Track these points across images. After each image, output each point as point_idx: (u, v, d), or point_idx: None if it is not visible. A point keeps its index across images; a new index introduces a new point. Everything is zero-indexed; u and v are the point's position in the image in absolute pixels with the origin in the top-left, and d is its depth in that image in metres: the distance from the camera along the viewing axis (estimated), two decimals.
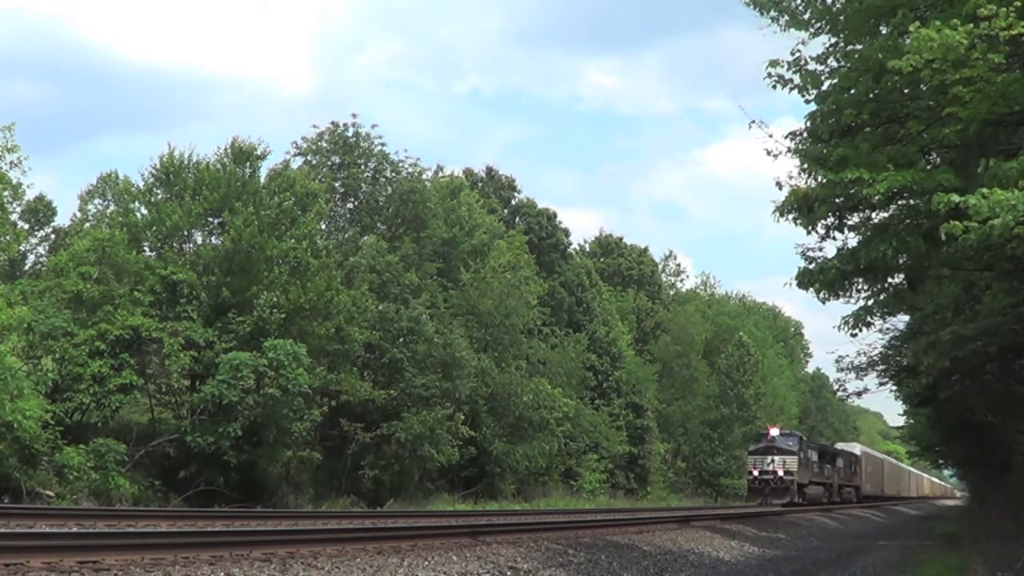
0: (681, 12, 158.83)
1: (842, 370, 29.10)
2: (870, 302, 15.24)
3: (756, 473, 41.85)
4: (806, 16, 12.16)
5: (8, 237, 27.32)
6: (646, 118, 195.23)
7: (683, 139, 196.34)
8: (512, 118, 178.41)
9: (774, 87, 11.57)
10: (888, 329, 26.27)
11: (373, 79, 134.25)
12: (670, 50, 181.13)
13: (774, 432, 43.28)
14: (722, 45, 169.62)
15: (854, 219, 12.84)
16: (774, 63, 11.66)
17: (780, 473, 40.79)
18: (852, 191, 10.58)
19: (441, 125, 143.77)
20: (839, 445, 61.93)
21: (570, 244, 60.32)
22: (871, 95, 11.21)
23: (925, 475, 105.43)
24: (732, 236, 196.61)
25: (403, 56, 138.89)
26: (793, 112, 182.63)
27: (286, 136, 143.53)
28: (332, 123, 40.08)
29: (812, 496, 43.67)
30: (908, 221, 11.94)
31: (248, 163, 31.06)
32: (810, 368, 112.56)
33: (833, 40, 12.44)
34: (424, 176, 41.27)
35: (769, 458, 41.43)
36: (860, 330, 15.49)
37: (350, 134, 39.81)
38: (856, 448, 60.73)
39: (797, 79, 11.69)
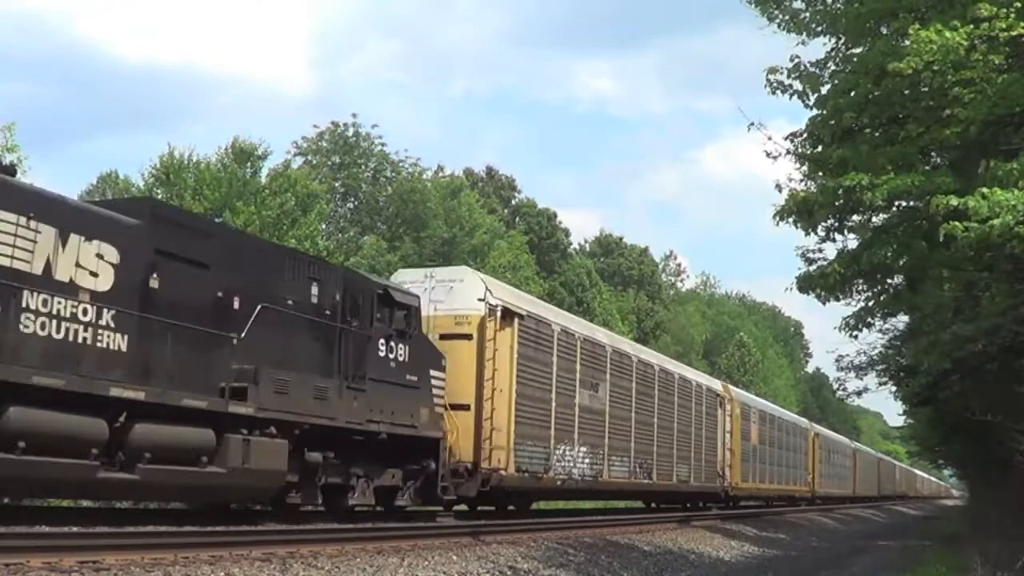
0: (678, 12, 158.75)
1: (842, 369, 29.16)
2: (870, 303, 15.25)
3: None
4: (806, 17, 12.15)
5: None
6: (642, 119, 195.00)
7: (679, 140, 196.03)
8: (508, 119, 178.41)
9: (773, 92, 11.56)
10: (888, 329, 26.28)
11: (370, 80, 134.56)
12: (666, 51, 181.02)
13: None
14: (719, 45, 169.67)
15: (854, 219, 12.83)
16: (773, 70, 11.64)
17: None
18: (853, 195, 10.57)
19: (436, 126, 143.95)
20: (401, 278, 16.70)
21: (570, 244, 60.49)
22: (870, 98, 11.20)
23: (899, 463, 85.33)
24: (730, 236, 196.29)
25: (399, 57, 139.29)
26: (788, 114, 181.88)
27: (285, 136, 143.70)
28: (332, 123, 40.25)
29: None
30: (907, 224, 11.94)
31: (249, 163, 31.10)
32: (810, 368, 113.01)
33: (833, 43, 12.44)
34: (424, 176, 41.34)
35: None
36: (860, 331, 15.51)
37: (350, 134, 39.87)
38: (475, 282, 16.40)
39: (797, 84, 11.67)
